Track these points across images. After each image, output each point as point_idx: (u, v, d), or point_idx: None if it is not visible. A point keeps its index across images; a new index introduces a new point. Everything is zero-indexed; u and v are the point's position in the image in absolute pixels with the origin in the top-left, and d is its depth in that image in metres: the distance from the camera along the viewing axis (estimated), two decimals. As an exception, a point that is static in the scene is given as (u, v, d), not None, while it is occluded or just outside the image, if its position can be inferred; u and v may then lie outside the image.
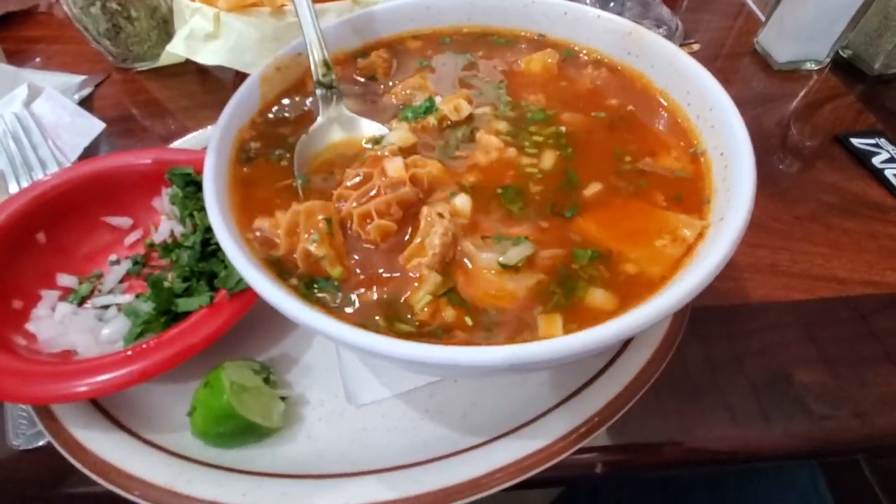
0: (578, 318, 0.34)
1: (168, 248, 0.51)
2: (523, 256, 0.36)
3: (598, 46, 0.53)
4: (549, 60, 0.52)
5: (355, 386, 0.46)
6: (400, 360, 0.31)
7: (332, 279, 0.36)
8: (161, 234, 0.54)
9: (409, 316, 0.35)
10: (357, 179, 0.41)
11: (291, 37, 0.51)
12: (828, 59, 0.83)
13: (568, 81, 0.52)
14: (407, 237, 0.39)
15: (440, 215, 0.37)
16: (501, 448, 0.40)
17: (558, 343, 0.29)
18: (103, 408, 0.44)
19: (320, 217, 0.38)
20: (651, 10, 0.88)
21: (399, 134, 0.46)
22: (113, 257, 0.53)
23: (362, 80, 0.53)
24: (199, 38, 0.72)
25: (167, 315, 0.45)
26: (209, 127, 0.64)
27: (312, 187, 0.43)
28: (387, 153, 0.42)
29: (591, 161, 0.44)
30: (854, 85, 0.82)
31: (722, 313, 0.55)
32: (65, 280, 0.51)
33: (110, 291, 0.51)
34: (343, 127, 0.48)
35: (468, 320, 0.34)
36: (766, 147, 0.72)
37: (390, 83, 0.52)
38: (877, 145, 0.71)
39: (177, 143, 0.66)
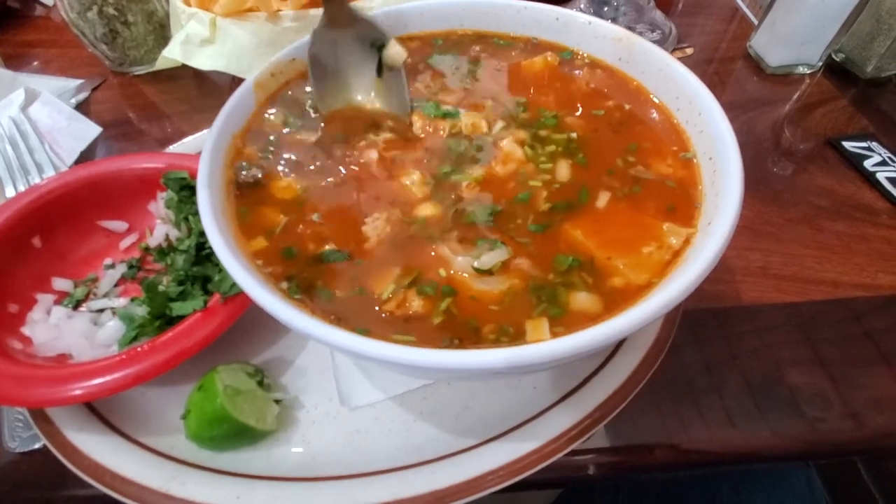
0: (565, 322, 0.34)
1: (163, 252, 0.52)
2: (498, 261, 0.36)
3: (590, 52, 0.54)
4: (549, 60, 0.53)
5: (349, 389, 0.47)
6: (392, 364, 0.31)
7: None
8: (156, 238, 0.54)
9: (375, 308, 0.35)
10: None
11: (287, 42, 0.52)
12: (820, 63, 0.84)
13: (566, 84, 0.52)
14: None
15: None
16: (494, 450, 0.41)
17: (551, 346, 0.29)
18: (98, 411, 0.45)
19: None
20: (645, 15, 0.88)
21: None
22: (108, 261, 0.54)
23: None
24: (196, 42, 0.73)
25: (161, 319, 0.45)
26: (205, 131, 0.65)
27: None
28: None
29: (590, 168, 0.45)
30: (847, 89, 0.83)
31: (714, 315, 0.55)
32: (60, 284, 0.51)
33: (105, 295, 0.51)
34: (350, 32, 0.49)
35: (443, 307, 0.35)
36: (759, 151, 0.73)
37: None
38: (869, 149, 0.71)
39: (173, 148, 0.67)
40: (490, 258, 0.37)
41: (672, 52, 0.88)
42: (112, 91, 0.86)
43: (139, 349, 0.40)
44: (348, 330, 0.31)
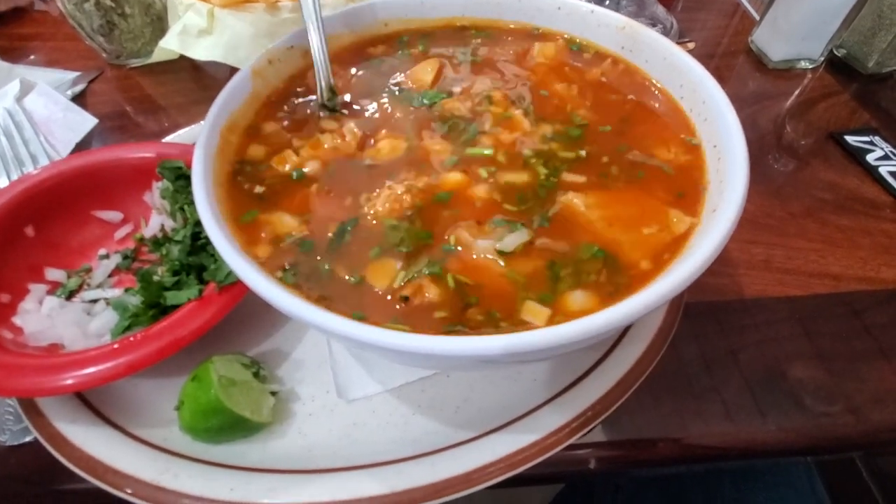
0: (565, 308, 0.33)
1: (158, 242, 0.51)
2: (520, 243, 0.36)
3: (592, 41, 0.53)
4: (558, 47, 0.53)
5: (346, 381, 0.46)
6: (386, 350, 0.31)
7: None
8: (151, 228, 0.54)
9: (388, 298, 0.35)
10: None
11: (285, 32, 0.51)
12: (822, 58, 0.83)
13: (575, 71, 0.52)
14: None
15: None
16: (493, 443, 0.40)
17: (549, 333, 0.28)
18: (90, 402, 0.44)
19: None
20: (646, 9, 0.88)
21: None
22: (102, 251, 0.53)
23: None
24: (193, 33, 0.72)
25: (155, 308, 0.44)
26: (201, 122, 0.64)
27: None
28: None
29: (596, 150, 0.44)
30: (848, 83, 0.83)
31: (716, 309, 0.55)
32: (53, 274, 0.50)
33: (99, 286, 0.50)
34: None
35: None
36: (761, 145, 0.72)
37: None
38: (871, 143, 0.71)
39: (169, 139, 0.66)
40: (512, 240, 0.36)
41: (673, 46, 0.87)
42: (109, 83, 0.85)
43: (132, 338, 0.40)
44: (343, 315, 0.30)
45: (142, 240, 0.53)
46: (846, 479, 1.09)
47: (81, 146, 0.72)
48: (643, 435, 0.47)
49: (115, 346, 0.39)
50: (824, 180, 0.67)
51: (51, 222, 0.52)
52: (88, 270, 0.52)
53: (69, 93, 0.80)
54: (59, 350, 0.44)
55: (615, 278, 0.35)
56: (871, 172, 0.67)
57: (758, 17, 0.86)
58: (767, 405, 0.48)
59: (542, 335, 0.28)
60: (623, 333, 0.47)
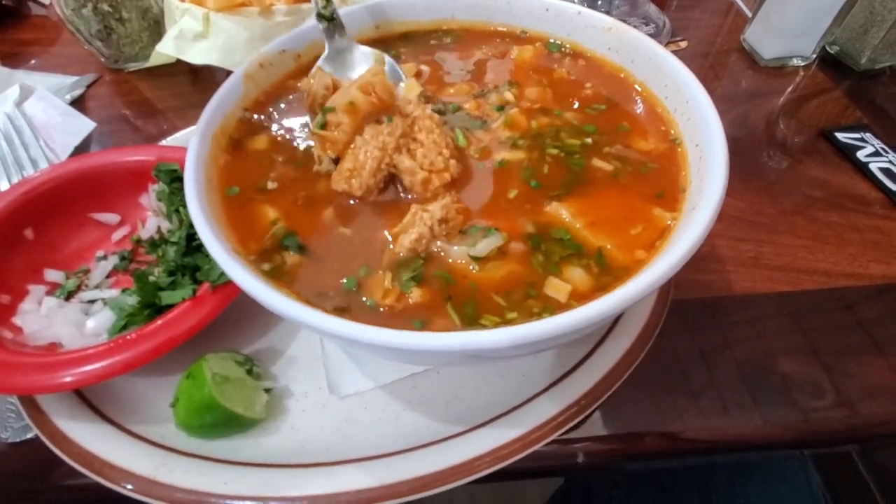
0: (547, 304, 0.34)
1: (155, 243, 0.52)
2: (493, 248, 0.37)
3: (580, 42, 0.54)
4: (536, 49, 0.54)
5: (338, 377, 0.47)
6: (375, 348, 0.31)
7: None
8: (148, 230, 0.55)
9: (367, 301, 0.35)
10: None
11: (279, 35, 0.52)
12: (814, 56, 0.84)
13: (555, 72, 0.52)
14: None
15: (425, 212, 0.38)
16: (480, 437, 0.41)
17: (524, 329, 0.29)
18: (88, 400, 0.45)
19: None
20: (638, 8, 0.88)
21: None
22: (100, 253, 0.54)
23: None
24: (189, 37, 0.73)
25: (151, 308, 0.45)
26: (198, 125, 0.65)
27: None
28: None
29: (575, 152, 0.45)
30: (841, 80, 0.83)
31: (706, 305, 0.55)
32: (52, 275, 0.51)
33: (97, 286, 0.51)
34: (348, 58, 0.51)
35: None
36: (752, 142, 0.73)
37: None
38: (862, 139, 0.71)
39: (166, 142, 0.67)
40: (485, 245, 0.37)
41: (666, 45, 0.88)
42: (107, 87, 0.86)
43: (128, 337, 0.41)
44: (326, 312, 0.31)
45: (139, 241, 0.55)
46: (843, 473, 1.09)
47: (80, 150, 0.73)
48: (633, 429, 0.47)
49: (112, 344, 0.40)
50: (814, 177, 0.68)
51: (50, 225, 0.53)
52: (87, 272, 0.53)
53: (68, 97, 0.82)
54: (58, 349, 0.45)
55: (603, 277, 0.36)
56: (862, 169, 0.68)
57: (750, 15, 0.87)
58: (757, 399, 0.49)
59: (512, 333, 0.29)
60: (610, 328, 0.48)
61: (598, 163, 0.43)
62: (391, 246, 0.38)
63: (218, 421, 0.40)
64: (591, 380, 0.44)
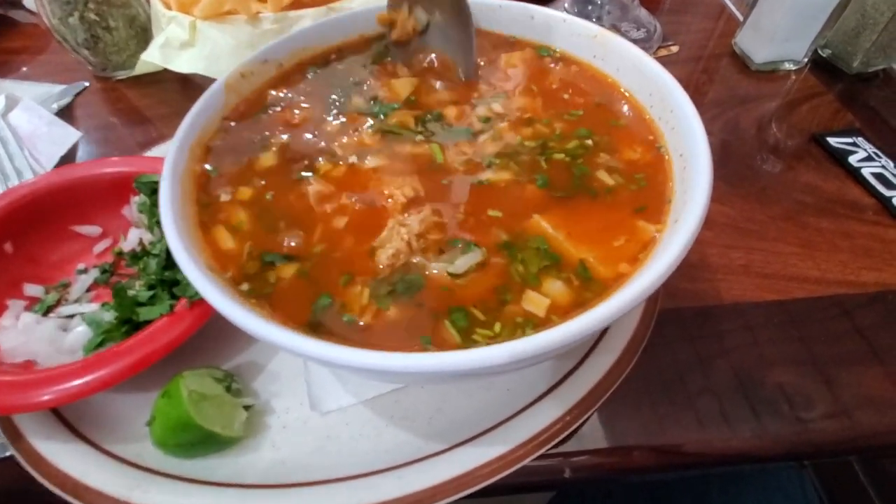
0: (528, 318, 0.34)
1: (136, 256, 0.51)
2: (472, 264, 0.36)
3: (566, 49, 0.53)
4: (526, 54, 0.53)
5: (320, 393, 0.46)
6: (348, 368, 0.31)
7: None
8: (130, 242, 0.54)
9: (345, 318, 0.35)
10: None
11: (266, 43, 0.52)
12: (806, 59, 0.83)
13: (543, 79, 0.52)
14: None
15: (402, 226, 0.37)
16: (462, 455, 0.40)
17: (513, 346, 0.28)
18: (65, 418, 0.44)
19: None
20: (629, 13, 0.88)
21: None
22: (81, 266, 0.53)
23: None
24: (175, 46, 0.73)
25: (129, 324, 0.44)
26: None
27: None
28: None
29: (561, 162, 0.44)
30: (833, 84, 0.82)
31: (695, 315, 0.54)
32: (31, 290, 0.51)
33: (77, 301, 0.51)
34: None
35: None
36: (743, 147, 0.72)
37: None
38: (854, 144, 0.71)
39: (152, 152, 0.67)
40: (464, 262, 0.36)
41: (657, 50, 0.87)
42: (95, 96, 0.86)
43: (103, 355, 0.40)
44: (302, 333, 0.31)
45: (120, 254, 0.54)
46: (841, 480, 1.08)
47: (66, 159, 0.72)
48: (621, 443, 0.47)
49: (85, 362, 0.39)
50: (806, 183, 0.67)
51: (29, 238, 0.52)
52: (67, 285, 0.52)
53: (55, 106, 0.81)
54: (34, 367, 0.44)
55: (585, 291, 0.35)
56: (854, 174, 0.67)
57: (742, 19, 0.86)
58: (747, 411, 0.48)
59: (513, 348, 0.28)
60: (597, 341, 0.47)
61: (586, 173, 0.42)
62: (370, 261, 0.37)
63: (195, 440, 0.40)
64: (577, 394, 0.43)
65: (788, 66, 0.84)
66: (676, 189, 0.39)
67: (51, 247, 0.53)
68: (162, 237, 0.50)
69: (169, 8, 0.74)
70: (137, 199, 0.53)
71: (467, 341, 0.33)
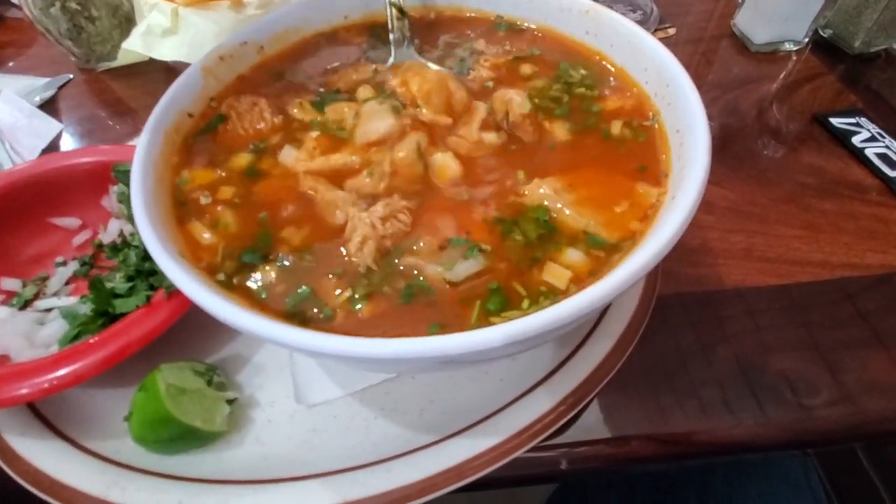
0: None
1: (116, 248, 0.49)
2: (471, 272, 0.34)
3: (557, 26, 0.51)
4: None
5: (306, 385, 0.44)
6: (332, 356, 0.29)
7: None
8: (110, 233, 0.52)
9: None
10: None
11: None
12: (806, 40, 0.81)
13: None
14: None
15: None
16: (452, 447, 0.38)
17: (488, 333, 0.26)
18: (42, 414, 0.43)
19: None
20: (625, -5, 0.86)
21: None
22: (59, 259, 0.52)
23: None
24: (157, 33, 0.71)
25: (105, 317, 0.43)
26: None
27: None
28: None
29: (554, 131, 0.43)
30: (835, 65, 0.80)
31: (696, 300, 0.53)
32: (8, 283, 0.49)
33: (55, 294, 0.49)
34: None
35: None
36: (744, 130, 0.70)
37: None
38: (857, 124, 0.69)
39: (133, 142, 0.65)
40: (464, 268, 0.34)
41: (654, 32, 0.85)
42: (79, 88, 0.84)
43: (76, 348, 0.38)
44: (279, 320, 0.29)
45: (100, 246, 0.52)
46: (845, 467, 1.07)
47: (48, 152, 0.70)
48: (619, 432, 0.45)
49: (58, 356, 0.38)
50: (808, 164, 0.65)
51: (6, 231, 0.51)
52: (45, 279, 0.51)
53: (38, 99, 0.79)
54: (7, 361, 0.42)
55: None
56: (857, 155, 0.65)
57: (740, 0, 0.84)
58: (750, 398, 0.47)
59: (477, 337, 0.26)
60: (593, 327, 0.45)
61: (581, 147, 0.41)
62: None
63: (174, 435, 0.38)
64: (573, 382, 0.42)
65: (789, 46, 0.81)
66: (673, 165, 0.37)
67: (28, 239, 0.52)
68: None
69: (151, -5, 0.72)
70: (116, 189, 0.51)
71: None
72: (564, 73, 0.48)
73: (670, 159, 0.38)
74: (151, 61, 0.80)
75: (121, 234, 0.52)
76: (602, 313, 0.46)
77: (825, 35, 0.83)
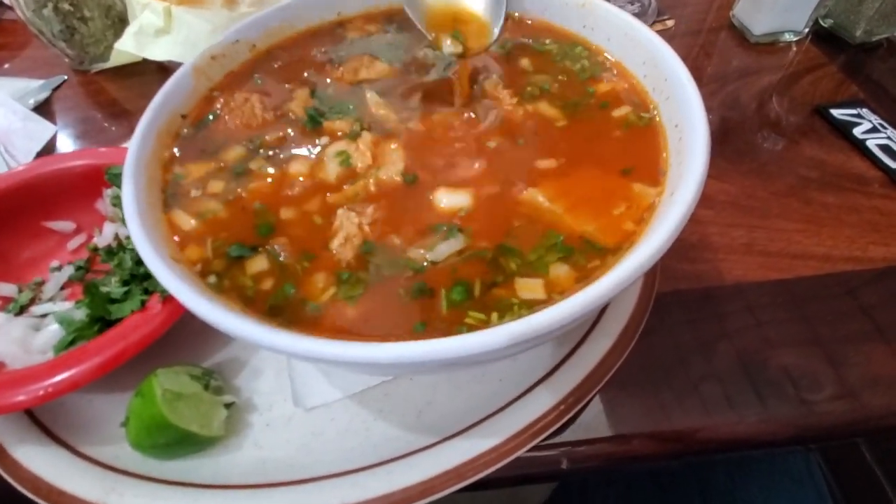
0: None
1: (112, 251, 0.49)
2: (452, 251, 0.33)
3: (554, 20, 0.50)
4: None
5: (304, 388, 0.44)
6: (326, 361, 0.29)
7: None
8: (105, 237, 0.52)
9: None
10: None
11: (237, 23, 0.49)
12: (807, 30, 0.80)
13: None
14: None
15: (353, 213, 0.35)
16: (451, 449, 0.38)
17: (506, 329, 0.26)
18: (39, 420, 0.42)
19: None
20: (622, -13, 0.85)
21: None
22: (54, 263, 0.51)
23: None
24: (150, 33, 0.70)
25: (101, 322, 0.42)
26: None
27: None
28: None
29: (550, 128, 0.42)
30: (836, 55, 0.79)
31: (696, 296, 0.52)
32: (3, 289, 0.49)
33: (51, 299, 0.49)
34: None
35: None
36: (743, 122, 0.69)
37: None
38: (858, 115, 0.68)
39: (128, 143, 0.64)
40: (445, 248, 0.34)
41: (652, 24, 0.84)
42: (73, 90, 0.83)
43: (71, 354, 0.38)
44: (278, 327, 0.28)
45: (95, 250, 0.52)
46: (848, 461, 1.06)
47: (43, 155, 0.70)
48: (619, 431, 0.45)
49: (53, 363, 0.38)
50: (809, 157, 0.64)
51: (0, 236, 0.50)
52: (41, 284, 0.50)
53: (32, 101, 0.79)
54: (2, 368, 0.42)
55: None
56: (859, 146, 0.64)
57: (740, -10, 0.83)
58: (752, 395, 0.46)
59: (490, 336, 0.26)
60: (593, 325, 0.45)
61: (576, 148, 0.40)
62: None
63: (171, 440, 0.38)
64: (573, 381, 0.41)
65: (789, 37, 0.80)
66: (672, 161, 0.37)
67: (22, 244, 0.51)
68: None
69: (143, -5, 0.71)
70: (110, 192, 0.51)
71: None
72: (560, 67, 0.47)
73: (669, 155, 0.37)
74: (146, 62, 0.79)
75: (116, 237, 0.51)
76: (601, 312, 0.45)
77: (826, 25, 0.82)
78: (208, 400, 0.41)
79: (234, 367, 0.46)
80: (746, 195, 0.60)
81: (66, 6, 0.77)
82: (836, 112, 0.68)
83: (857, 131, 0.65)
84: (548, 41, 0.49)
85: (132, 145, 0.38)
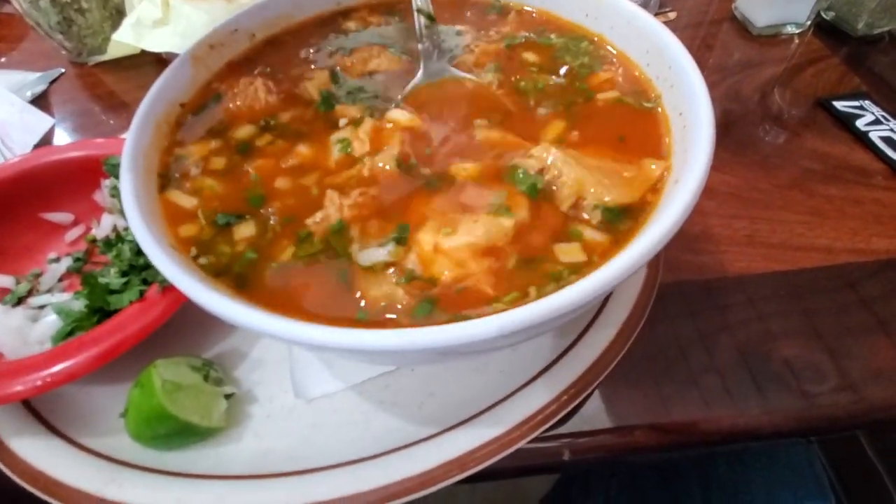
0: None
1: (110, 243, 0.48)
2: (380, 261, 0.33)
3: (556, 10, 0.50)
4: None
5: (305, 379, 0.44)
6: (321, 347, 0.28)
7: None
8: (104, 228, 0.51)
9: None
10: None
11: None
12: (809, 22, 0.80)
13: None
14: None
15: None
16: (452, 440, 0.38)
17: (509, 316, 0.26)
18: (37, 412, 0.42)
19: None
20: (624, -21, 0.84)
21: None
22: (52, 255, 0.51)
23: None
24: (148, 24, 0.69)
25: (100, 313, 0.42)
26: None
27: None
28: None
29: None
30: (838, 47, 0.79)
31: (698, 288, 0.52)
32: (1, 281, 0.48)
33: (49, 290, 0.48)
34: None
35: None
36: (746, 114, 0.69)
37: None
38: (861, 108, 0.67)
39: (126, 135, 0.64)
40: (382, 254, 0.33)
41: (654, 16, 0.83)
42: (71, 82, 0.83)
43: (69, 345, 0.38)
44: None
45: (94, 241, 0.51)
46: (848, 454, 1.07)
47: (40, 147, 0.70)
48: (621, 422, 0.44)
49: (51, 353, 0.37)
50: (812, 149, 0.64)
51: (-2, 227, 0.50)
52: (39, 275, 0.50)
53: (29, 94, 0.78)
54: (1, 359, 0.42)
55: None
56: (861, 138, 0.64)
57: (742, -18, 0.82)
58: (753, 387, 0.46)
59: (496, 322, 0.26)
60: (595, 316, 0.44)
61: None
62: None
63: (171, 431, 0.38)
64: (574, 372, 0.41)
65: (791, 29, 0.80)
66: (676, 149, 0.36)
67: (19, 235, 0.51)
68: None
69: (141, -15, 0.71)
70: (108, 183, 0.50)
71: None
72: (562, 58, 0.46)
73: (672, 143, 0.37)
74: (143, 53, 0.79)
75: (114, 228, 0.51)
76: (603, 302, 0.45)
77: (827, 17, 0.82)
78: (208, 391, 0.40)
79: (234, 358, 0.46)
80: (749, 187, 0.60)
81: (63, -3, 0.76)
82: (838, 104, 0.68)
83: (859, 123, 0.65)
84: (552, 35, 0.49)
85: (130, 135, 0.38)
